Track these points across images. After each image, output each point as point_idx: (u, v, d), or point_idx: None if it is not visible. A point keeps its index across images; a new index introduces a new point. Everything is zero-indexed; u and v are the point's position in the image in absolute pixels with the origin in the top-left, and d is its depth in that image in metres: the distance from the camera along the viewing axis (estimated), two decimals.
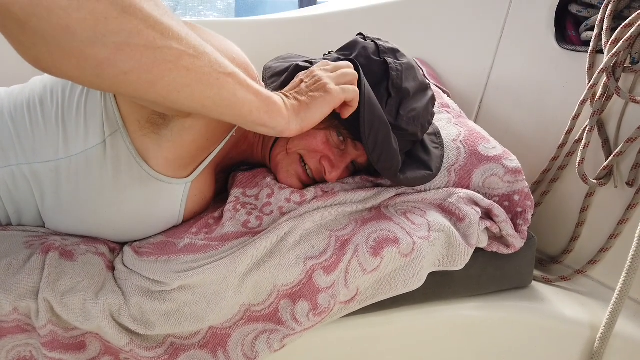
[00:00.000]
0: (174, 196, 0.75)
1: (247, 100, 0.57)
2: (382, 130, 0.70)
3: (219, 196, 0.90)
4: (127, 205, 0.71)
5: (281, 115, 0.61)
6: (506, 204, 0.82)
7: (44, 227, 0.75)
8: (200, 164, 0.76)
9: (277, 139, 0.83)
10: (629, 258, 0.76)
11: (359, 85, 0.69)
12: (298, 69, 0.77)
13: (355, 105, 0.69)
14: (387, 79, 0.76)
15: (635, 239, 0.76)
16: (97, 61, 0.44)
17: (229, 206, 0.78)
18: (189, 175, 0.75)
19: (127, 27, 0.44)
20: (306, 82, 0.68)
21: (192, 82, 0.51)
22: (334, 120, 0.77)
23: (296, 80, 0.69)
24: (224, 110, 0.56)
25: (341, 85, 0.67)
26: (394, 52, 0.80)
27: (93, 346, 0.65)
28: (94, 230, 0.74)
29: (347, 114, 0.69)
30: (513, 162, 0.82)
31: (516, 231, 0.80)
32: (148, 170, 0.70)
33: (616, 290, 0.78)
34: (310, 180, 0.83)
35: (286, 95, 0.66)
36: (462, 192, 0.80)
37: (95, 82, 0.48)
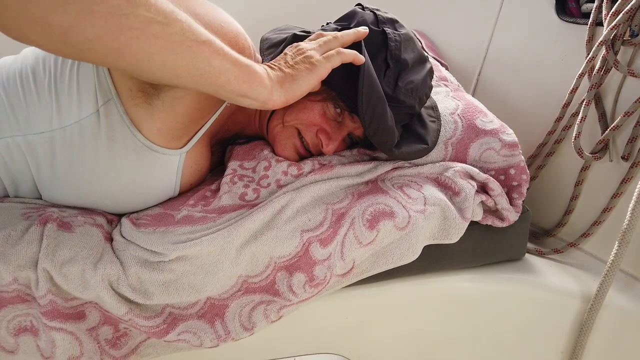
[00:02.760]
0: (169, 167, 0.74)
1: (224, 69, 0.56)
2: (379, 105, 0.70)
3: (216, 169, 0.90)
4: (122, 176, 0.71)
5: (263, 84, 0.60)
6: (502, 177, 0.82)
7: (41, 199, 0.75)
8: (194, 134, 0.75)
9: (273, 111, 0.82)
10: (621, 230, 0.77)
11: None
12: (296, 38, 0.76)
13: (358, 61, 0.68)
14: (385, 50, 0.75)
15: (628, 213, 0.77)
16: (62, 28, 0.44)
17: (226, 179, 0.78)
18: (183, 146, 0.74)
19: None
20: (292, 55, 0.67)
21: (162, 50, 0.50)
22: (330, 92, 0.77)
23: (282, 54, 0.69)
24: (199, 80, 0.55)
25: (326, 53, 0.67)
26: (393, 23, 0.79)
27: (92, 316, 0.66)
28: (91, 202, 0.74)
29: (359, 61, 0.68)
30: (510, 136, 0.82)
31: (511, 205, 0.81)
32: (142, 140, 0.70)
33: (608, 263, 0.79)
34: (307, 153, 0.83)
35: (270, 67, 0.65)
36: (459, 166, 0.80)
37: (63, 49, 0.47)
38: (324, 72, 0.66)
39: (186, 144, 0.75)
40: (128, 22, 0.46)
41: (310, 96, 0.77)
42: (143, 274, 0.65)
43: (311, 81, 0.66)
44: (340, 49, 0.68)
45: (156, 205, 0.78)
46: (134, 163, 0.71)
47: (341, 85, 0.73)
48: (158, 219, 0.73)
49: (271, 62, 0.67)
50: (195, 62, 0.53)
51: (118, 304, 0.63)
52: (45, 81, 0.68)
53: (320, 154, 0.82)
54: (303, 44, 0.69)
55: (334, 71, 0.69)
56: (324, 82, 0.74)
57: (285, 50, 0.69)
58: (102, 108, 0.68)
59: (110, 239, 0.71)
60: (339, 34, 0.70)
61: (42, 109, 0.68)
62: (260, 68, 0.62)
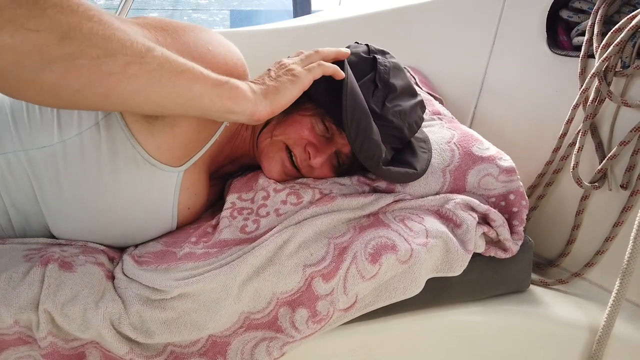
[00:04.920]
0: (168, 184, 0.75)
1: (205, 92, 0.59)
2: (364, 119, 0.72)
3: (215, 204, 0.91)
4: (123, 189, 0.72)
5: (246, 98, 0.63)
6: (502, 204, 0.83)
7: (44, 222, 0.75)
8: (193, 156, 0.77)
9: (263, 127, 0.84)
10: (624, 260, 0.77)
11: (343, 77, 0.72)
12: None
13: (339, 75, 0.72)
14: (374, 72, 0.78)
15: (631, 241, 0.77)
16: (51, 85, 0.50)
17: (225, 213, 0.78)
18: (181, 165, 0.76)
19: (69, 50, 0.49)
20: (274, 70, 0.70)
21: (144, 87, 0.54)
22: (319, 108, 0.79)
23: (266, 70, 0.72)
24: (185, 106, 0.59)
25: (307, 65, 0.70)
26: (384, 53, 0.83)
27: (93, 356, 0.65)
28: (93, 223, 0.74)
29: (339, 76, 0.72)
30: (507, 161, 0.83)
31: (512, 232, 0.81)
32: (142, 154, 0.71)
33: (613, 292, 0.78)
34: (294, 170, 0.83)
35: (254, 82, 0.67)
36: (459, 198, 0.80)
37: (57, 103, 0.53)
38: (306, 82, 0.69)
39: (185, 163, 0.76)
40: (108, 68, 0.51)
41: (299, 111, 0.80)
42: (144, 312, 0.64)
43: (294, 92, 0.68)
44: (322, 61, 0.71)
45: (158, 243, 0.78)
46: (134, 176, 0.72)
47: (327, 102, 0.76)
48: (160, 256, 0.73)
49: (255, 78, 0.70)
50: (177, 91, 0.57)
51: (119, 343, 0.63)
52: None
53: (308, 169, 0.82)
54: (285, 59, 0.72)
55: (321, 88, 0.72)
56: (312, 99, 0.77)
57: (269, 67, 0.72)
58: (102, 121, 0.70)
59: (112, 277, 0.70)
60: (320, 49, 0.74)
61: (43, 123, 0.70)
62: (243, 84, 0.64)
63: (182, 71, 0.57)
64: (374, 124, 0.74)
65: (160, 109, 0.58)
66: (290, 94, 0.67)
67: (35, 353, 0.63)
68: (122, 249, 0.80)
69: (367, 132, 0.72)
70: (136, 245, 0.80)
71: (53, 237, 0.78)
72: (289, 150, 0.81)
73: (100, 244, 0.77)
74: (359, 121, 0.71)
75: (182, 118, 0.71)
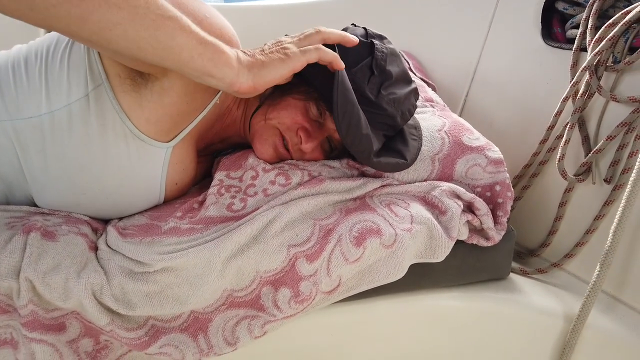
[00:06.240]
0: (156, 159, 0.74)
1: (188, 45, 0.56)
2: (355, 115, 0.70)
3: (203, 180, 0.90)
4: (111, 163, 0.71)
5: (229, 65, 0.60)
6: (488, 194, 0.83)
7: (28, 192, 0.74)
8: (182, 130, 0.76)
9: (257, 109, 0.83)
10: (603, 252, 0.79)
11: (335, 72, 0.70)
12: None
13: (338, 65, 0.68)
14: (371, 58, 0.77)
15: (610, 234, 0.78)
16: None
17: (212, 189, 0.78)
18: (170, 141, 0.75)
19: None
20: (269, 46, 0.67)
21: (124, 20, 0.51)
22: (313, 93, 0.78)
23: (261, 45, 0.69)
24: (162, 54, 0.55)
25: (304, 47, 0.66)
26: (382, 38, 0.82)
27: (73, 327, 0.65)
28: (79, 194, 0.73)
29: (338, 66, 0.68)
30: (495, 153, 0.84)
31: (496, 222, 0.82)
32: (131, 128, 0.70)
33: (590, 283, 0.80)
34: (286, 153, 0.82)
35: (244, 52, 0.64)
36: (445, 185, 0.81)
37: (31, 15, 0.49)
38: (297, 64, 0.65)
39: (173, 138, 0.75)
40: None
41: (293, 95, 0.79)
42: (127, 284, 0.64)
43: (282, 71, 0.64)
44: (320, 45, 0.67)
45: (143, 216, 0.77)
46: (122, 150, 0.71)
47: (322, 87, 0.75)
48: (145, 229, 0.73)
49: (247, 49, 0.66)
50: (158, 36, 0.54)
51: (100, 314, 0.63)
52: (36, 67, 0.69)
53: (299, 154, 0.82)
54: (283, 37, 0.69)
55: (317, 73, 0.70)
56: (308, 83, 0.75)
57: (265, 42, 0.69)
58: (92, 93, 0.68)
59: (95, 248, 0.70)
60: (322, 28, 0.70)
61: (31, 93, 0.69)
62: (231, 51, 0.61)
63: (169, 17, 0.54)
64: (364, 117, 0.73)
65: (135, 49, 0.54)
66: (277, 72, 0.63)
67: (14, 322, 0.63)
68: (106, 221, 0.79)
69: (358, 127, 0.71)
70: (121, 217, 0.79)
71: (37, 207, 0.77)
72: (282, 135, 0.81)
73: (84, 215, 0.76)
74: (350, 117, 0.69)
75: (172, 88, 0.69)
